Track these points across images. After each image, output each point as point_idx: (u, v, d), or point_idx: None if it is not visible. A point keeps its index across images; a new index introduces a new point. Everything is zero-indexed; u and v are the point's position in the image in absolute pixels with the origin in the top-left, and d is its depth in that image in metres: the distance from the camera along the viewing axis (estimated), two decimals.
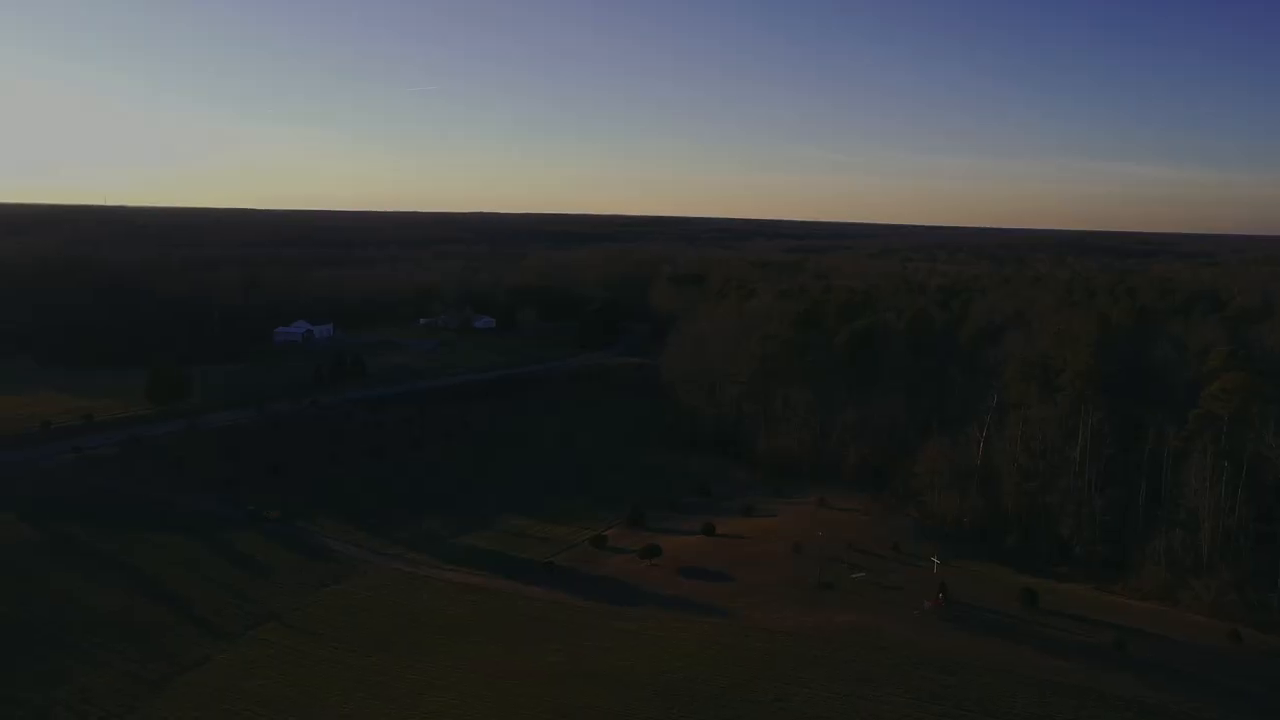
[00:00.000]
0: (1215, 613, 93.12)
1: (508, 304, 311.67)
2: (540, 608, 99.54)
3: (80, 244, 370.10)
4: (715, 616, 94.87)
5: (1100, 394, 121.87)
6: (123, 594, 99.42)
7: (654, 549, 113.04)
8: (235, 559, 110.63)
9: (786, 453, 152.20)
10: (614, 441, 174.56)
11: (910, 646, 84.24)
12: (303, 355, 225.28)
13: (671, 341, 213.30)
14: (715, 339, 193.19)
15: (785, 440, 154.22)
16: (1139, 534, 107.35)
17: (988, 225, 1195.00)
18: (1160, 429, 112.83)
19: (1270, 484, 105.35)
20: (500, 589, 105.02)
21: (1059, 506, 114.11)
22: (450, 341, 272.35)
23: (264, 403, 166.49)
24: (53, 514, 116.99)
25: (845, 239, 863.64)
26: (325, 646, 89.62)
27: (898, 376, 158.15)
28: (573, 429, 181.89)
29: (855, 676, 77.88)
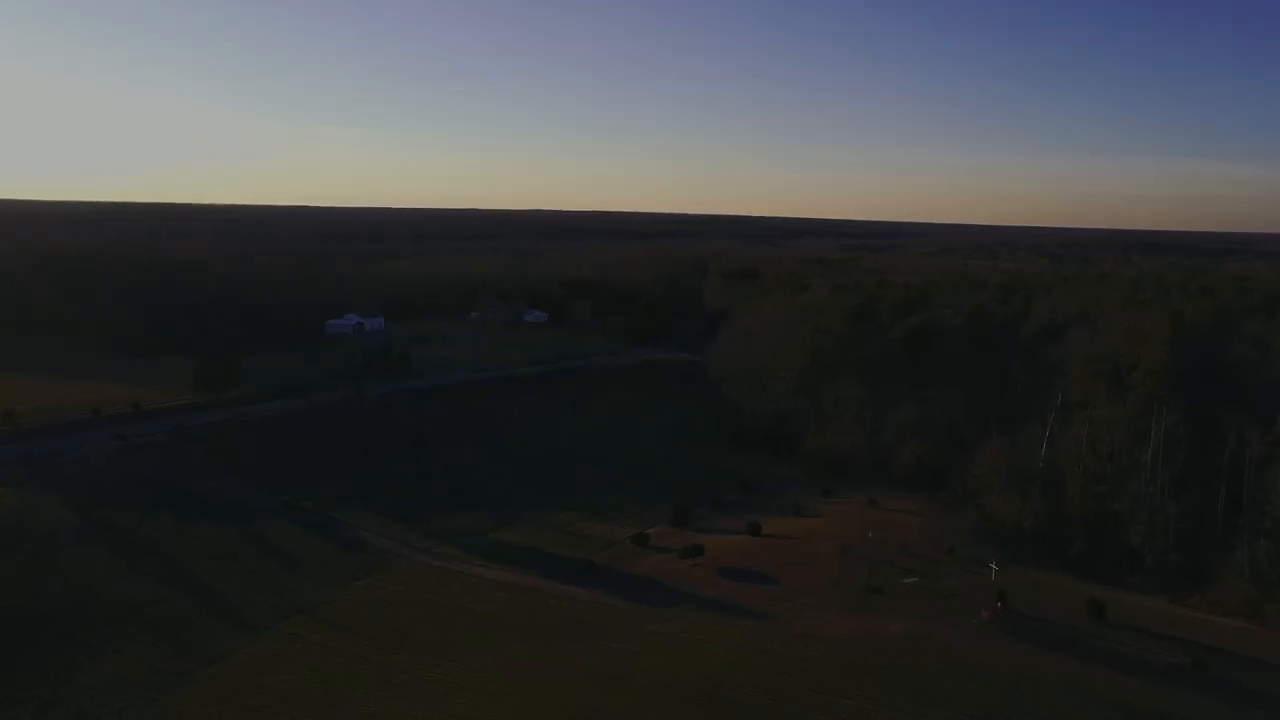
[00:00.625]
0: None
1: (559, 298, 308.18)
2: (574, 607, 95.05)
3: (149, 239, 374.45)
4: (756, 620, 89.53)
5: (1174, 394, 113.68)
6: (153, 584, 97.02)
7: (696, 548, 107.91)
8: (268, 550, 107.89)
9: (837, 450, 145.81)
10: (661, 437, 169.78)
11: (965, 658, 78.09)
12: (353, 347, 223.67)
13: (721, 337, 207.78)
14: (765, 334, 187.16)
15: (835, 437, 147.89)
16: (1218, 544, 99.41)
17: (1049, 225, 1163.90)
18: (1241, 432, 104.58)
19: None
20: (534, 587, 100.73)
21: (1129, 513, 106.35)
22: (500, 334, 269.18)
23: (308, 393, 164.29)
24: (93, 500, 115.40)
25: (902, 238, 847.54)
26: (352, 642, 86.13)
27: (955, 373, 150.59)
28: (619, 424, 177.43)
29: (904, 689, 72.07)
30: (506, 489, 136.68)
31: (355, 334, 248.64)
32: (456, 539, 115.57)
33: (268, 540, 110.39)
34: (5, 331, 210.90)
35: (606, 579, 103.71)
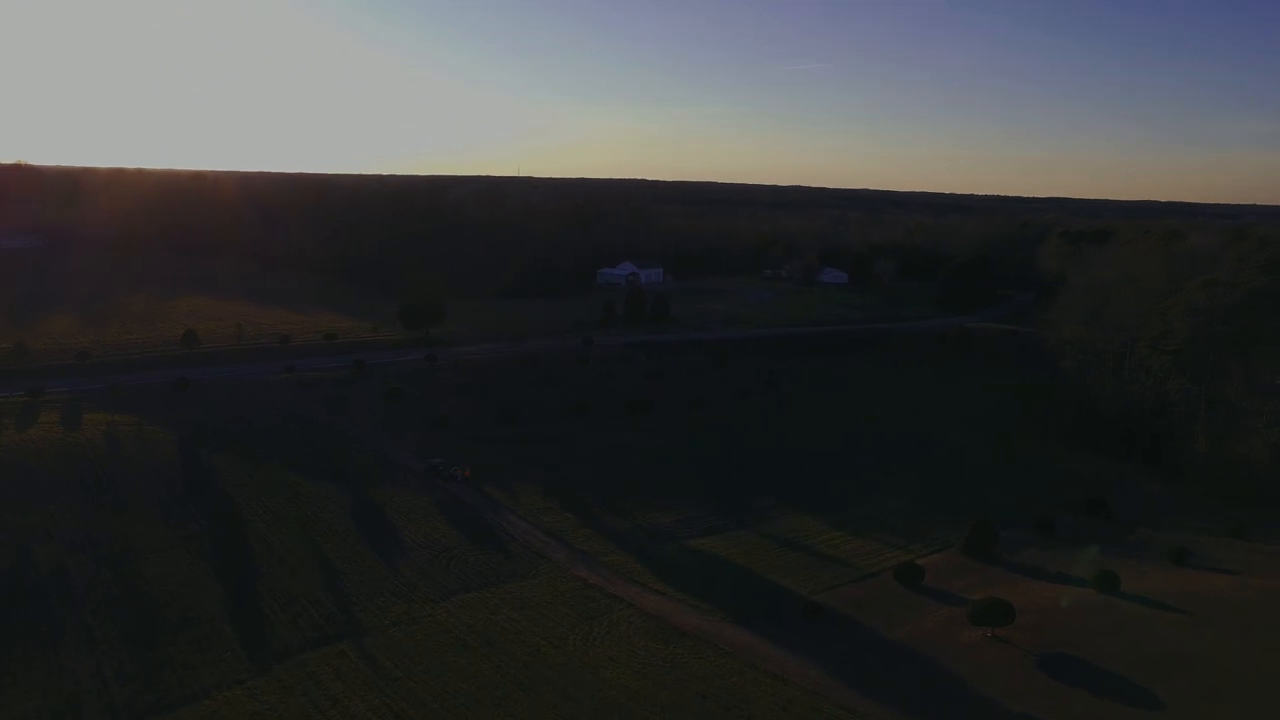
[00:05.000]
0: None
1: (862, 258, 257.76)
2: (766, 697, 51.81)
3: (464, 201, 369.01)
4: None
5: None
6: (203, 567, 66.35)
7: (999, 608, 59.81)
8: (375, 532, 74.45)
9: (1250, 464, 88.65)
10: (965, 424, 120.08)
11: None
12: (620, 297, 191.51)
13: (1061, 300, 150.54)
14: (1126, 292, 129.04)
15: (1248, 444, 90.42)
16: None
17: None
18: None
19: None
20: (714, 639, 58.93)
21: None
22: (789, 293, 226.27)
23: (524, 338, 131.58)
24: (213, 439, 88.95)
25: None
26: (378, 712, 49.20)
27: None
28: (911, 402, 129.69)
29: None
30: (738, 474, 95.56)
31: (627, 284, 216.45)
32: (639, 543, 76.10)
33: (383, 517, 77.03)
34: (277, 269, 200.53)
35: (837, 641, 59.55)
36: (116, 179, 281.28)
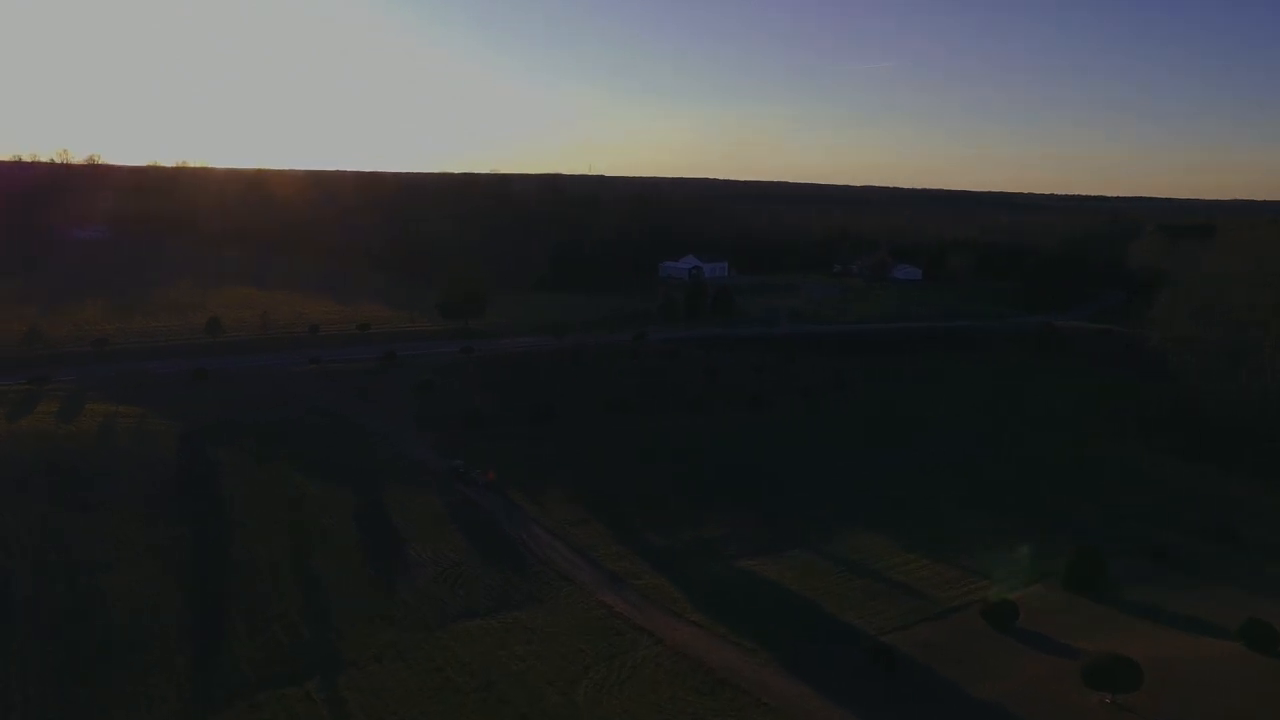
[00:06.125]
0: None
1: (938, 254, 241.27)
2: None
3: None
4: None
5: None
6: (161, 577, 57.33)
7: (1124, 669, 46.77)
8: (377, 540, 64.86)
9: None
10: (1056, 432, 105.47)
11: None
12: (681, 291, 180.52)
13: (1163, 296, 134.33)
14: (1243, 285, 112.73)
15: None
16: None
17: None
18: None
19: None
20: (760, 689, 47.69)
21: None
22: (859, 290, 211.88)
23: (568, 330, 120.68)
24: (221, 432, 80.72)
25: None
26: None
27: None
28: (989, 406, 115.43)
29: None
30: (798, 483, 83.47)
31: (690, 278, 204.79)
32: (679, 562, 64.85)
33: (389, 525, 67.31)
34: (342, 264, 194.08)
35: (909, 698, 47.62)
36: (187, 175, 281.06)
